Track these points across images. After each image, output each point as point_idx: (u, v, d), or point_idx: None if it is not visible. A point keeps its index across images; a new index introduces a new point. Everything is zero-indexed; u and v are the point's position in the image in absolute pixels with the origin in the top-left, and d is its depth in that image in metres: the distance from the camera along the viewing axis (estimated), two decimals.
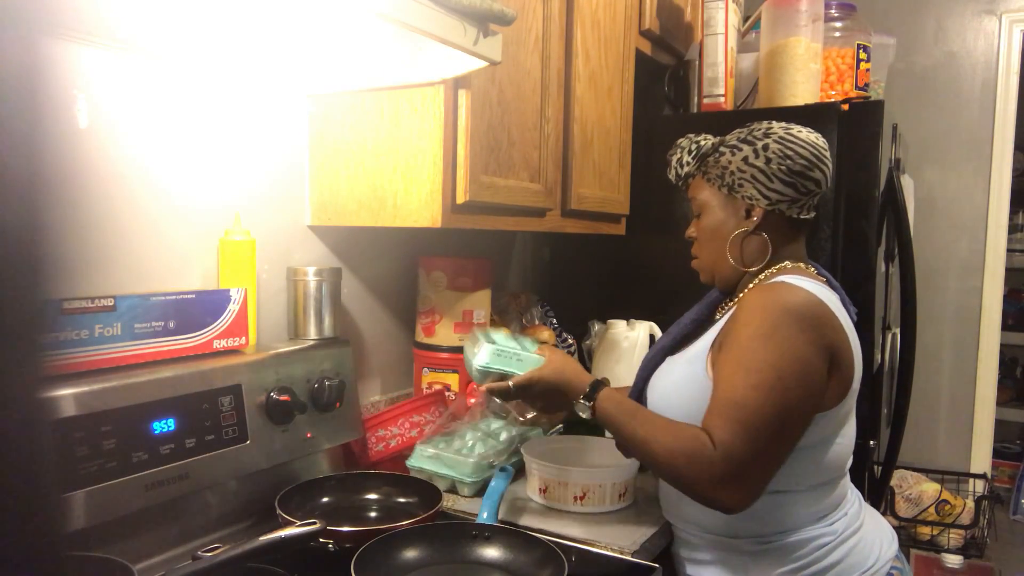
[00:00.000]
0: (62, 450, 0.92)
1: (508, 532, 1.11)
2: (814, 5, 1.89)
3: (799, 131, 1.15)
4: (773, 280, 1.11)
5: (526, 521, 1.24)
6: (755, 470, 0.98)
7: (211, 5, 0.96)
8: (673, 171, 1.25)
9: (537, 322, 1.91)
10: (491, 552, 1.08)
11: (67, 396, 0.94)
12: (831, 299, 1.09)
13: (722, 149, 1.17)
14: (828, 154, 1.15)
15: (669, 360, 1.21)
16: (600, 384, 1.13)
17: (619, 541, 1.17)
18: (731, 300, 1.21)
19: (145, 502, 1.01)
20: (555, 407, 1.19)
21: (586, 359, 1.85)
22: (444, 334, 1.58)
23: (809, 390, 1.01)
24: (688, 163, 1.22)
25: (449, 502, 1.30)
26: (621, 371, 1.71)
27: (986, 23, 3.02)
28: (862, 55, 1.98)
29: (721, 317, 1.18)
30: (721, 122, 1.93)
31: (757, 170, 1.13)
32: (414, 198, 1.30)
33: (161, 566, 1.03)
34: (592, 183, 1.73)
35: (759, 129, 1.16)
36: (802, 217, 1.16)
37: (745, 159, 1.14)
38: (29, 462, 0.28)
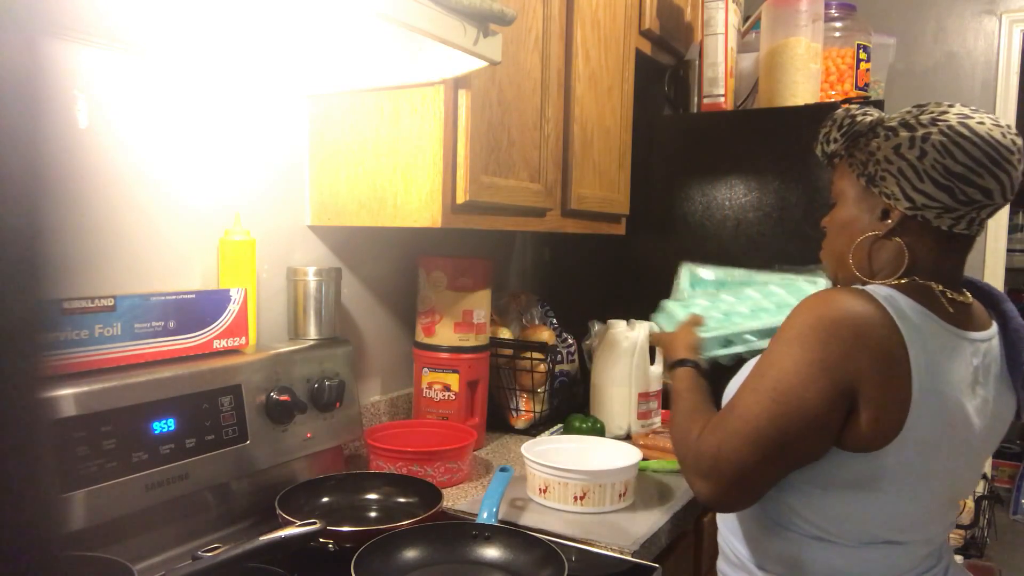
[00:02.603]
0: (62, 450, 0.92)
1: (508, 532, 1.11)
2: (814, 5, 1.89)
3: (979, 123, 0.89)
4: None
5: (526, 521, 1.24)
6: (727, 471, 0.91)
7: (211, 6, 0.96)
8: (819, 146, 1.05)
9: (537, 322, 1.91)
10: (491, 552, 1.08)
11: (67, 396, 0.94)
12: (911, 322, 0.90)
13: (878, 130, 0.96)
14: (1016, 159, 0.89)
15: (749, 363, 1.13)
16: (680, 364, 1.16)
17: (619, 541, 1.17)
18: None
19: (145, 502, 1.01)
20: None
21: (586, 359, 1.85)
22: (444, 334, 1.58)
23: (800, 411, 0.89)
24: (836, 140, 1.01)
25: (449, 502, 1.30)
26: (620, 371, 1.71)
27: (986, 23, 3.02)
28: (862, 55, 1.98)
29: None
30: (721, 122, 1.94)
31: (907, 164, 0.91)
32: (414, 198, 1.30)
33: (161, 566, 1.03)
34: (592, 183, 1.73)
35: (930, 112, 0.93)
36: (955, 231, 0.92)
37: (897, 147, 0.92)
38: (28, 462, 0.28)
